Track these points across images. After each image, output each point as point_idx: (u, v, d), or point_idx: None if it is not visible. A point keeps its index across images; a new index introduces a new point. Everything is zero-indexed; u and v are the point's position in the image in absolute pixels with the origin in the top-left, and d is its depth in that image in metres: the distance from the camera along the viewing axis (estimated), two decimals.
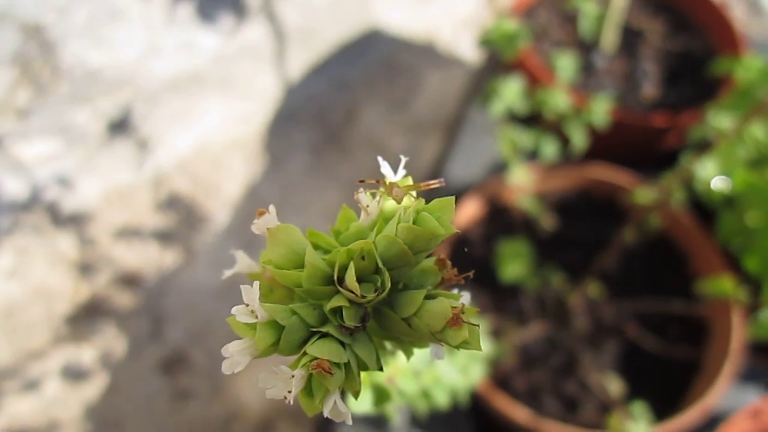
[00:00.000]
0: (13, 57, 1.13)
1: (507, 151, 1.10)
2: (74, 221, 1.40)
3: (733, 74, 1.15)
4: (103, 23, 1.16)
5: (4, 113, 1.18)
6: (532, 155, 1.19)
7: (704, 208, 1.14)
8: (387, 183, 0.34)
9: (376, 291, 0.32)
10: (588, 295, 1.15)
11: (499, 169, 1.32)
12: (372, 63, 1.68)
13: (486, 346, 1.03)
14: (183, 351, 1.39)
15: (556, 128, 1.14)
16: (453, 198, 0.31)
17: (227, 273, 0.36)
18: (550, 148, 1.12)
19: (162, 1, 1.20)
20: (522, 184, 1.16)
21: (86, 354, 1.37)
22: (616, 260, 1.18)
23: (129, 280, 1.44)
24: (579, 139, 1.13)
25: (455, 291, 0.37)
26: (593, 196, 1.25)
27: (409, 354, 0.38)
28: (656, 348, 1.10)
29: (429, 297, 0.33)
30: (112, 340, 1.39)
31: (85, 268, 1.42)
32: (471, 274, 0.34)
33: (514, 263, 1.07)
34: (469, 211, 1.20)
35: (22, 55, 1.13)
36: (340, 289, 0.32)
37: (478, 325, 0.31)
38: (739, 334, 1.03)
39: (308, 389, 0.30)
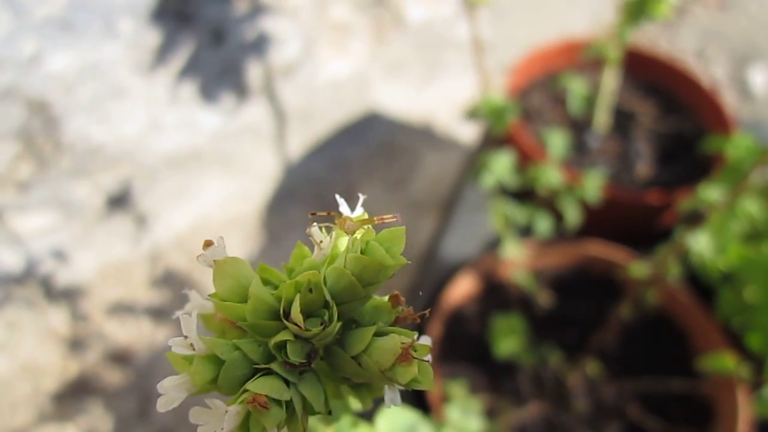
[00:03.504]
0: (17, 132, 1.16)
1: (499, 225, 1.09)
2: (67, 296, 1.39)
3: (724, 152, 1.16)
4: (106, 100, 1.20)
5: (4, 186, 1.20)
6: (526, 231, 1.18)
7: (701, 283, 1.12)
8: (340, 217, 0.33)
9: (322, 324, 0.30)
10: (587, 374, 1.11)
11: (494, 246, 1.31)
12: (371, 144, 1.71)
13: (480, 426, 0.99)
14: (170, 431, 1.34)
15: (550, 204, 1.14)
16: (403, 228, 0.31)
17: (177, 313, 0.35)
18: (544, 224, 1.12)
19: (165, 81, 1.25)
20: (516, 259, 1.15)
21: None
22: (615, 338, 1.15)
23: (119, 358, 1.41)
24: (573, 215, 1.13)
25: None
26: (590, 273, 1.24)
27: (366, 403, 0.36)
28: (660, 430, 1.05)
29: (380, 334, 0.31)
30: (97, 420, 1.35)
31: (76, 345, 1.39)
32: (427, 312, 0.33)
33: (508, 338, 1.04)
34: (464, 287, 1.19)
35: (26, 130, 1.16)
36: (287, 323, 0.31)
37: (429, 362, 0.30)
38: (745, 414, 0.98)
39: (245, 428, 0.29)
